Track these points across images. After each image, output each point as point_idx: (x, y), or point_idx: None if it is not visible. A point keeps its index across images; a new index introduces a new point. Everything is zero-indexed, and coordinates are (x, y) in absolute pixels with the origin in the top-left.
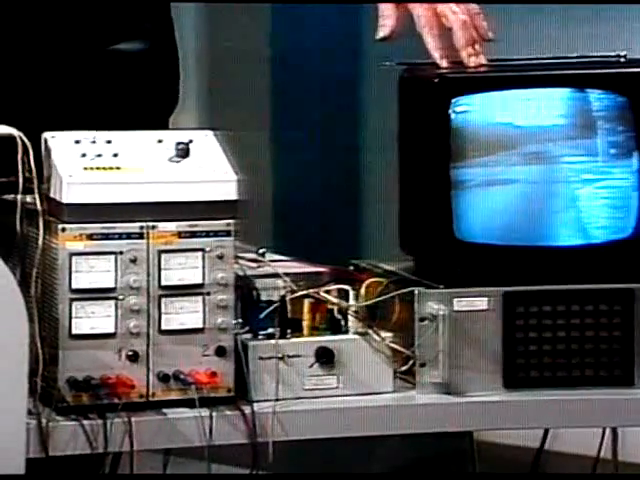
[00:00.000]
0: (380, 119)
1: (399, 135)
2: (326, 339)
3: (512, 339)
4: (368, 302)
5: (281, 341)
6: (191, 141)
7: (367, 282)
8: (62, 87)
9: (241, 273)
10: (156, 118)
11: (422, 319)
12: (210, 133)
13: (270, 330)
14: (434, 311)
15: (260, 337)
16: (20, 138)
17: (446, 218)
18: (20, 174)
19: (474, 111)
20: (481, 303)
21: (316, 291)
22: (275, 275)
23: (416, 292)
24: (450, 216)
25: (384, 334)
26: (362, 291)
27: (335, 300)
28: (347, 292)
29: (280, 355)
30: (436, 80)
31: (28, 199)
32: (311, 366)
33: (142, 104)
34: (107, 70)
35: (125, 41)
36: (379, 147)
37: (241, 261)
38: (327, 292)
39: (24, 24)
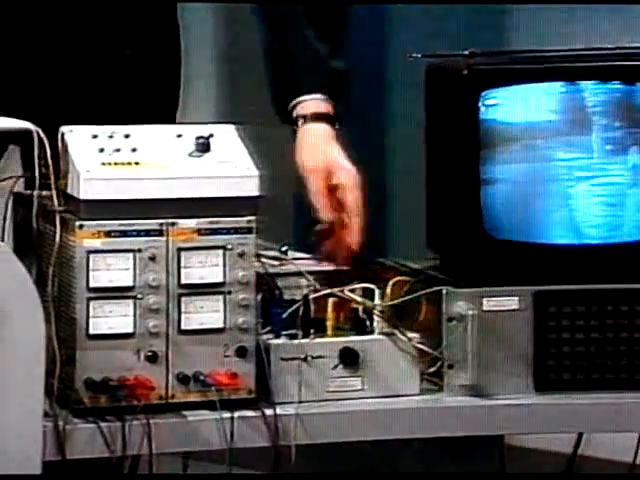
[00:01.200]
0: (406, 113)
1: (426, 129)
2: (351, 340)
3: (544, 340)
4: (394, 302)
5: (304, 341)
6: (211, 135)
7: (393, 281)
8: (76, 82)
9: (263, 271)
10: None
11: (450, 319)
12: (231, 127)
13: (293, 330)
14: (462, 311)
15: (282, 337)
16: (37, 133)
17: (475, 214)
18: (36, 169)
19: (505, 104)
20: (511, 303)
21: (340, 290)
22: (298, 274)
23: (444, 291)
24: (479, 212)
25: (410, 334)
26: (387, 290)
27: (360, 299)
28: (372, 291)
29: (303, 356)
30: (465, 72)
31: (44, 195)
32: (335, 367)
33: (144, 103)
34: (111, 66)
35: (131, 42)
36: (405, 141)
37: (263, 259)
38: (352, 291)
39: (39, 21)
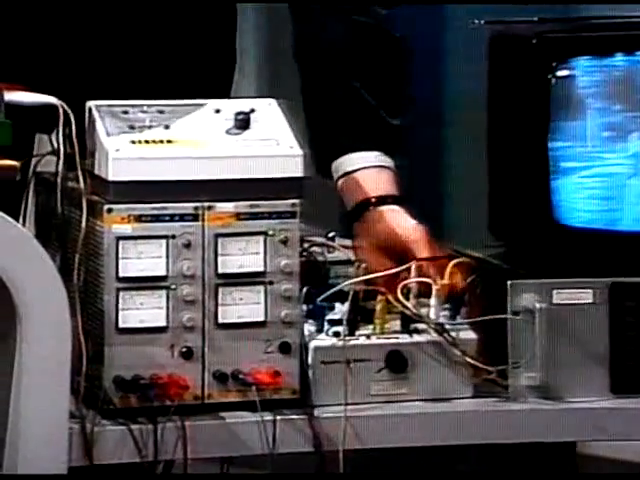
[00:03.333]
0: (466, 86)
1: (488, 105)
2: (399, 342)
3: (621, 337)
4: (445, 309)
5: (348, 343)
6: (252, 111)
7: (449, 270)
8: (108, 52)
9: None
10: (214, 87)
11: (516, 313)
12: (273, 102)
13: (337, 328)
14: (530, 304)
15: (326, 333)
16: (61, 107)
17: (544, 198)
18: (61, 148)
19: (579, 76)
20: (585, 296)
21: (392, 282)
22: (347, 262)
23: (509, 283)
24: (548, 196)
25: (469, 333)
26: (444, 281)
27: (412, 307)
28: (429, 286)
29: (345, 359)
30: (534, 40)
31: (70, 176)
32: (379, 371)
33: (198, 71)
34: (158, 33)
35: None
36: (464, 118)
37: (307, 246)
38: (404, 287)
39: None
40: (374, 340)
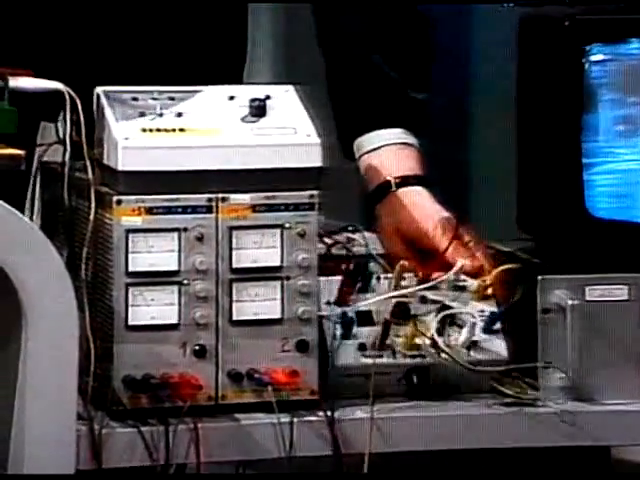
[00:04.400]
0: (494, 71)
1: (518, 91)
2: (420, 362)
3: None
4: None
5: (369, 361)
6: (268, 97)
7: (495, 271)
8: (116, 37)
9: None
10: (226, 73)
11: (546, 311)
12: (291, 88)
13: (360, 340)
14: (561, 301)
15: (345, 339)
16: (68, 93)
17: (576, 190)
18: (67, 136)
19: (614, 61)
20: (620, 292)
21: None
22: (369, 257)
23: (539, 279)
24: (581, 188)
25: (500, 347)
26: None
27: (434, 335)
28: (462, 289)
29: (367, 373)
30: (567, 22)
31: (77, 167)
32: (399, 380)
33: (207, 55)
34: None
35: None
36: (491, 104)
37: (326, 239)
38: (436, 287)
39: None
40: (399, 360)
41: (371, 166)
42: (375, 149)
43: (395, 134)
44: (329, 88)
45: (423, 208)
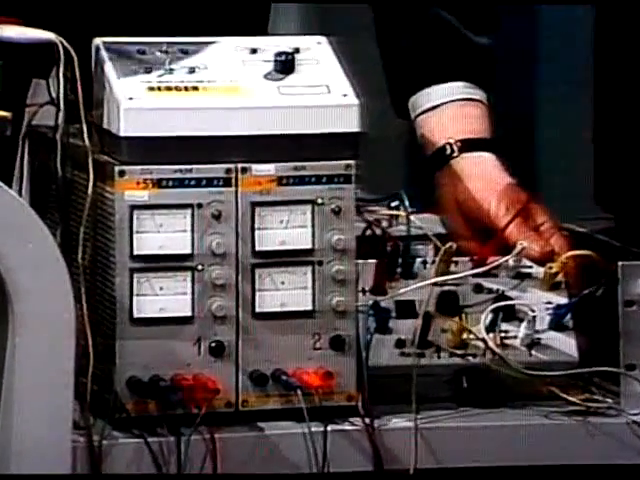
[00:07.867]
0: (568, 41)
1: (595, 57)
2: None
3: None
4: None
5: (408, 360)
6: (297, 50)
7: (564, 258)
8: None
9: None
10: (247, 21)
11: (629, 303)
12: (323, 39)
13: (398, 336)
14: None
15: (380, 333)
16: (61, 45)
17: None
18: (61, 97)
19: None
20: None
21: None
22: (420, 237)
23: (620, 265)
24: None
25: (570, 346)
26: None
27: (483, 334)
28: (526, 277)
29: (406, 374)
30: None
31: (72, 131)
32: (446, 381)
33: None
34: None
35: None
36: (564, 74)
37: (365, 217)
38: (493, 273)
39: None
40: (444, 360)
41: (429, 127)
42: (434, 107)
43: (457, 88)
44: (378, 37)
45: (488, 179)
